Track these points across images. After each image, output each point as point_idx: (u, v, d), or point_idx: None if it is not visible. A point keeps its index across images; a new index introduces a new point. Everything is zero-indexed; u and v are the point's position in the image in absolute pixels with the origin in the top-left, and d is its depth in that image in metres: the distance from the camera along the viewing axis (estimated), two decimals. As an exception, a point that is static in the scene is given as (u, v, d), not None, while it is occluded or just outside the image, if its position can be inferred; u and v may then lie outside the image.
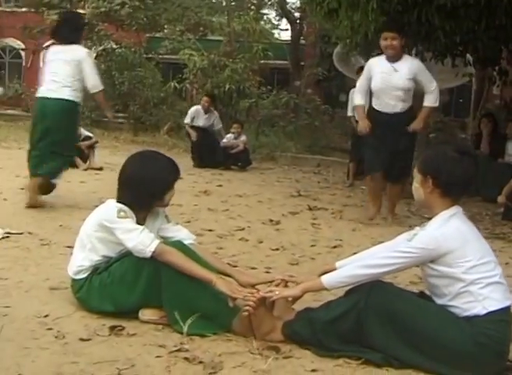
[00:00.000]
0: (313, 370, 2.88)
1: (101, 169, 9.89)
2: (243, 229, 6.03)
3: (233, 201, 7.69)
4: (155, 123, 17.12)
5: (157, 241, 3.34)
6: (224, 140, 11.50)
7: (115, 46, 19.82)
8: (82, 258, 3.51)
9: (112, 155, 11.90)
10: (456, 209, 3.08)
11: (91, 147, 10.31)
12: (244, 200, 7.88)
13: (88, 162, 10.11)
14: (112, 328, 3.24)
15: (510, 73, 9.63)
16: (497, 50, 8.83)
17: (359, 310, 2.98)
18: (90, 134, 10.73)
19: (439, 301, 3.04)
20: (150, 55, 20.59)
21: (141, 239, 3.32)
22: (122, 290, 3.38)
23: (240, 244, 5.45)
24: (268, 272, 4.50)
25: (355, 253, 3.97)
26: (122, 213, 3.41)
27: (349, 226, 6.42)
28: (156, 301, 3.34)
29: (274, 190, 9.02)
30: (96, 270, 3.48)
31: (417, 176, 3.17)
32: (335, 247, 5.35)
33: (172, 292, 3.27)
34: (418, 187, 3.16)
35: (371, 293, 2.99)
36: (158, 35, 22.70)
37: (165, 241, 3.52)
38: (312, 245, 5.46)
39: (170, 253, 3.32)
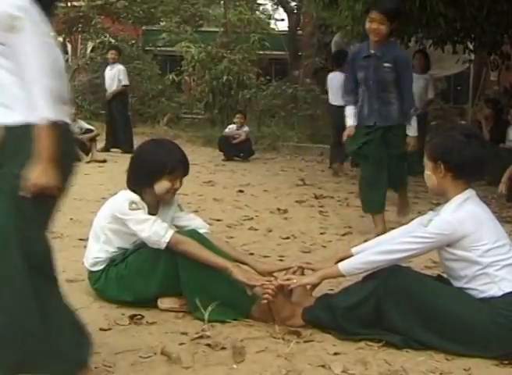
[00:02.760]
0: (335, 353, 2.91)
1: (104, 161, 9.91)
2: (251, 218, 6.04)
3: (239, 191, 7.70)
4: (154, 114, 17.09)
5: (171, 232, 3.34)
6: (226, 130, 11.49)
7: (111, 40, 19.73)
8: (97, 250, 3.53)
9: (113, 147, 11.86)
10: (469, 193, 3.10)
11: (93, 139, 10.31)
12: (250, 190, 7.89)
13: (90, 154, 10.11)
14: (132, 317, 3.27)
15: (512, 58, 9.63)
16: (498, 36, 8.84)
17: (378, 295, 3.01)
18: (91, 127, 10.73)
19: (457, 284, 3.07)
20: (147, 48, 20.53)
21: (155, 230, 3.32)
22: (140, 280, 3.41)
23: (250, 233, 5.47)
24: (281, 260, 4.52)
25: (365, 240, 4.01)
26: (133, 205, 3.42)
27: (356, 213, 6.42)
28: (174, 289, 3.37)
29: (279, 179, 9.04)
30: (113, 262, 3.51)
31: (427, 164, 3.19)
32: (344, 234, 5.36)
33: (191, 280, 3.29)
34: (430, 174, 3.18)
35: (389, 277, 3.02)
36: (154, 28, 22.61)
37: (180, 230, 3.54)
38: (322, 233, 5.48)
39: (185, 243, 3.32)
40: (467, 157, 3.05)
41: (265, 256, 4.61)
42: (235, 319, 3.26)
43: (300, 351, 2.92)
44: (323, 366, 2.77)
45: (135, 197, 3.46)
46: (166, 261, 3.34)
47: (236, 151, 11.22)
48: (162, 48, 21.01)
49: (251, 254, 4.66)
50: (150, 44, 21.10)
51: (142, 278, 3.41)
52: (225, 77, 14.87)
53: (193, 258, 3.29)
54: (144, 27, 22.11)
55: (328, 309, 3.11)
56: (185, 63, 16.34)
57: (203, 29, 21.63)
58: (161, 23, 21.62)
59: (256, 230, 5.60)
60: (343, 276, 3.20)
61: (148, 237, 3.33)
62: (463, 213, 3.02)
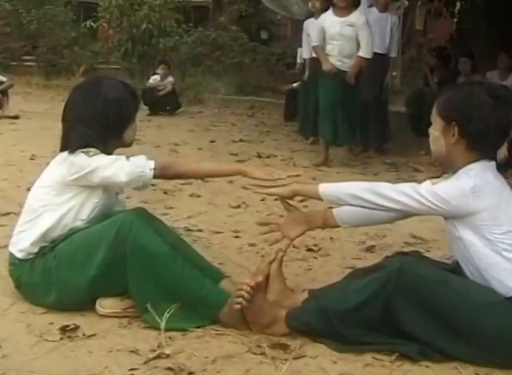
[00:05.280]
0: (339, 375, 2.24)
1: (17, 117, 8.82)
2: (189, 183, 5.23)
3: (170, 151, 6.88)
4: (68, 65, 15.86)
5: (151, 160, 2.72)
6: (150, 81, 10.55)
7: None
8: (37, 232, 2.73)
9: (25, 102, 10.87)
10: (488, 163, 2.46)
11: (4, 92, 9.13)
12: (182, 148, 7.10)
13: (1, 110, 8.97)
14: (64, 329, 2.50)
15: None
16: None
17: (387, 295, 2.35)
18: (3, 78, 9.52)
19: (474, 272, 2.45)
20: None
21: (133, 161, 2.69)
22: (72, 274, 2.63)
23: (192, 201, 4.74)
24: (237, 236, 3.83)
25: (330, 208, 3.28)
26: (91, 152, 2.68)
27: (307, 175, 5.75)
28: (117, 287, 2.63)
29: (211, 135, 8.23)
30: (41, 250, 2.71)
31: (437, 123, 2.51)
32: (302, 200, 4.67)
33: (141, 277, 2.55)
34: (439, 135, 2.50)
35: (400, 274, 2.36)
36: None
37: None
38: (276, 199, 4.75)
39: (174, 163, 2.87)
40: (489, 126, 2.40)
41: (218, 232, 3.91)
42: (198, 327, 2.54)
43: (293, 373, 2.23)
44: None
45: (85, 149, 2.69)
46: (107, 249, 2.57)
47: (161, 104, 10.30)
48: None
49: (200, 230, 3.95)
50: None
51: (74, 271, 2.63)
52: (144, 25, 13.74)
53: (194, 176, 3.34)
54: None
55: (321, 313, 2.42)
56: (101, 9, 15.11)
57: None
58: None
59: (198, 196, 4.88)
60: (319, 199, 2.59)
61: (130, 172, 2.66)
62: (481, 183, 2.38)
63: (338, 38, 6.38)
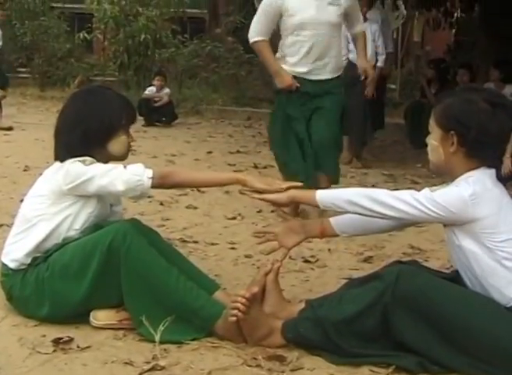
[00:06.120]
0: (336, 388, 2.20)
1: (10, 128, 8.78)
2: (186, 194, 5.22)
3: (166, 161, 6.85)
4: (63, 77, 15.85)
5: (149, 168, 2.66)
6: (146, 92, 10.52)
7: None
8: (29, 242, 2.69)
9: (20, 113, 10.82)
10: (488, 170, 2.44)
11: (-3, 103, 9.10)
12: (179, 159, 7.08)
13: (-6, 121, 8.94)
14: (57, 341, 2.46)
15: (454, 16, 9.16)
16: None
17: (384, 305, 2.32)
18: (-5, 88, 9.48)
19: (474, 282, 2.42)
20: (53, 4, 19.03)
21: (131, 170, 2.62)
22: (65, 285, 2.59)
23: (188, 213, 4.70)
24: (233, 248, 3.80)
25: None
26: (87, 161, 2.65)
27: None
28: (111, 298, 2.59)
29: (208, 146, 8.20)
30: (34, 261, 2.67)
31: (435, 132, 2.49)
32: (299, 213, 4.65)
33: (135, 289, 2.51)
34: (438, 145, 2.47)
35: (398, 282, 2.33)
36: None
37: None
38: (272, 211, 4.73)
39: (173, 172, 2.78)
40: (489, 134, 2.37)
41: (213, 244, 3.88)
42: (194, 339, 2.50)
43: (289, 386, 2.20)
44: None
45: (81, 158, 2.66)
46: (100, 259, 2.52)
47: (157, 115, 10.27)
48: (68, 5, 19.59)
49: (195, 241, 3.92)
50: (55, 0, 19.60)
51: (67, 282, 2.58)
52: (143, 36, 13.73)
53: (191, 185, 3.37)
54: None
55: (317, 324, 2.39)
56: (96, 20, 15.11)
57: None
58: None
59: (195, 208, 4.83)
60: (316, 205, 2.56)
61: (127, 180, 2.59)
62: (480, 190, 2.35)
63: (311, 27, 4.29)
